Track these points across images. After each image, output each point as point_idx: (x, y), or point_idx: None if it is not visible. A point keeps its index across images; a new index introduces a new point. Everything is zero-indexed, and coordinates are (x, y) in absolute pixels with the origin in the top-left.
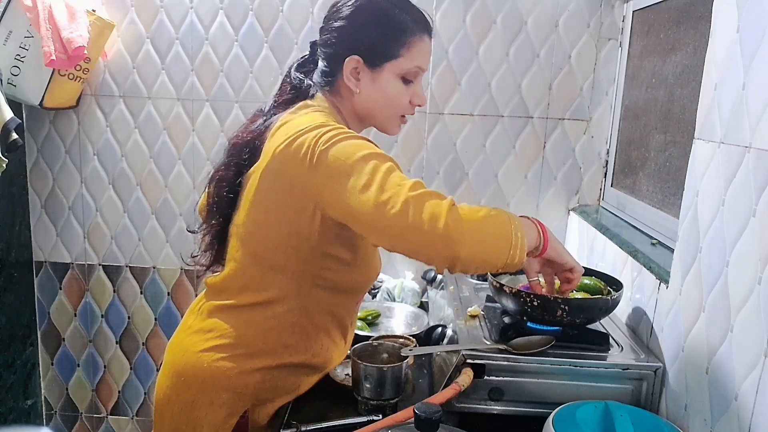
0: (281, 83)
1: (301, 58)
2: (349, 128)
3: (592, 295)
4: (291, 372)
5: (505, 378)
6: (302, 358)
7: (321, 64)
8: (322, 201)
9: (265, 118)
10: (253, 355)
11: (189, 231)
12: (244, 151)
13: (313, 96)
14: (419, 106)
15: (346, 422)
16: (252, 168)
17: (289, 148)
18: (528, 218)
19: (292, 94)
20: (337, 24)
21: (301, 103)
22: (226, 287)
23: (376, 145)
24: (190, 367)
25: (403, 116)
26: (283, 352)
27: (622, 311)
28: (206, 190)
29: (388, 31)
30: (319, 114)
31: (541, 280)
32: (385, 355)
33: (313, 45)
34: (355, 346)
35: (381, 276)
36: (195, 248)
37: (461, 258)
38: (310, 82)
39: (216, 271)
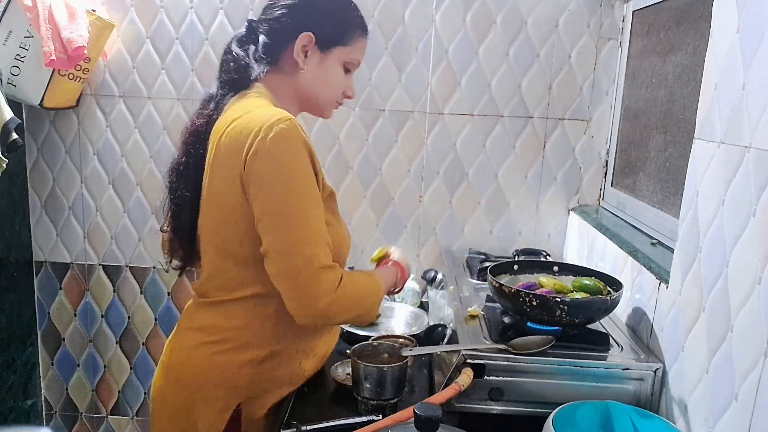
0: (222, 61)
1: (238, 34)
2: (286, 107)
3: (591, 295)
4: (283, 360)
5: (505, 378)
6: (291, 343)
7: (263, 39)
8: None
9: (216, 103)
10: (242, 348)
11: (162, 231)
12: (199, 144)
13: (251, 84)
14: (349, 98)
15: (346, 422)
16: (206, 164)
17: (236, 141)
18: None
19: (234, 73)
20: (291, 1)
21: (239, 94)
22: (209, 288)
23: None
24: (181, 366)
25: (337, 103)
26: (270, 340)
27: (622, 311)
28: (166, 184)
29: (343, 19)
30: (262, 105)
31: None
32: (385, 355)
33: (252, 23)
34: (355, 346)
35: None
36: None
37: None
38: (249, 61)
39: (191, 270)
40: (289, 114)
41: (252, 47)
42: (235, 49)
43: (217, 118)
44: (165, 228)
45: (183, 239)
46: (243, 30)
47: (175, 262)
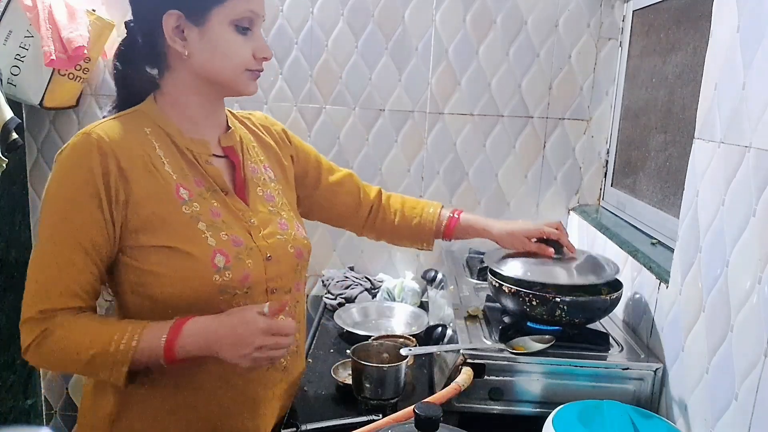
0: (114, 80)
1: (121, 44)
2: (190, 112)
3: (591, 295)
4: (147, 406)
5: (505, 378)
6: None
7: (140, 41)
8: None
9: None
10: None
11: None
12: None
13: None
14: (265, 59)
15: (346, 422)
16: None
17: None
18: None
19: (122, 95)
20: None
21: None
22: None
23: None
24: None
25: (253, 71)
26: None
27: (622, 311)
28: None
29: None
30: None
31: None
32: (385, 355)
33: (128, 24)
34: (355, 346)
35: (381, 276)
36: None
37: None
38: (138, 73)
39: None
40: (87, 131)
41: (138, 54)
42: (118, 65)
43: None
44: None
45: None
46: (124, 37)
47: None
